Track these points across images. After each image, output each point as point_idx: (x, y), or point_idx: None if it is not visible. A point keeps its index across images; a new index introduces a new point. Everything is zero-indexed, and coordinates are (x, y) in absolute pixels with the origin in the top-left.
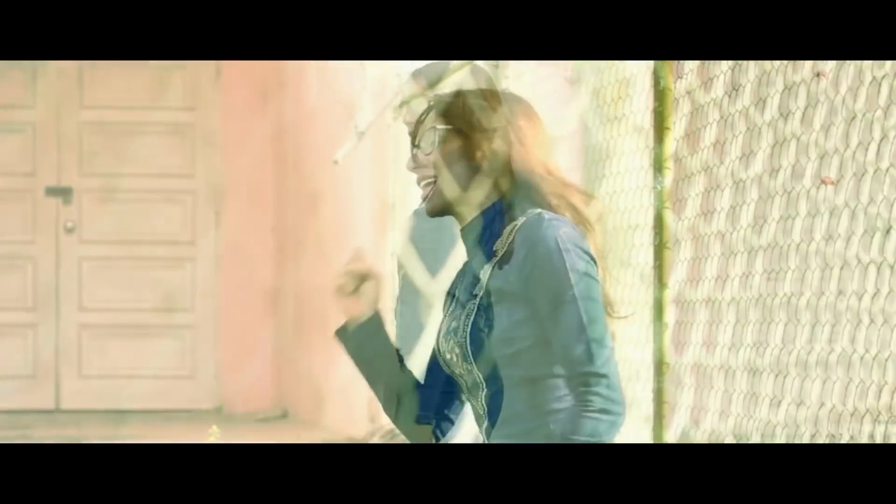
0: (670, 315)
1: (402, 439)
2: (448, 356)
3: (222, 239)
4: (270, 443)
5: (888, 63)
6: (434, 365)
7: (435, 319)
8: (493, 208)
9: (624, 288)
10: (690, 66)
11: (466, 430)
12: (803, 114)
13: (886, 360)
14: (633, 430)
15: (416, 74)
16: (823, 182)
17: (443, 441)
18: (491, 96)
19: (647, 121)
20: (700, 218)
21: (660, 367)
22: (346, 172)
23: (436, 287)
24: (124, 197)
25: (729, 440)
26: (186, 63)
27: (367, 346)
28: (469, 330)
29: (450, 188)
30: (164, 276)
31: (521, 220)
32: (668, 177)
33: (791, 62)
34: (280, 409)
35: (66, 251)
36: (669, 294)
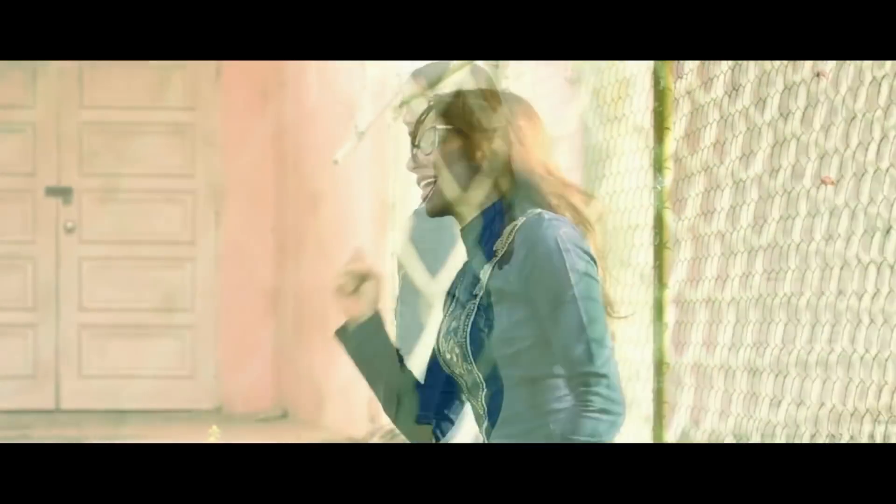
0: (670, 315)
1: (402, 439)
2: (448, 356)
3: (222, 239)
4: (270, 443)
5: (888, 63)
6: (434, 365)
7: (435, 319)
8: (493, 208)
9: (624, 288)
10: (690, 66)
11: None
12: (803, 114)
13: (886, 360)
14: (633, 430)
15: (416, 74)
16: (823, 182)
17: (442, 441)
18: (491, 96)
19: (647, 121)
20: (700, 218)
21: (660, 367)
22: (346, 172)
23: (436, 287)
24: (124, 197)
25: (729, 440)
26: (186, 63)
27: (367, 346)
28: (469, 330)
29: (450, 188)
30: (164, 276)
31: (521, 220)
32: (668, 177)
33: (791, 62)
34: (280, 409)
35: (66, 251)
36: (669, 294)
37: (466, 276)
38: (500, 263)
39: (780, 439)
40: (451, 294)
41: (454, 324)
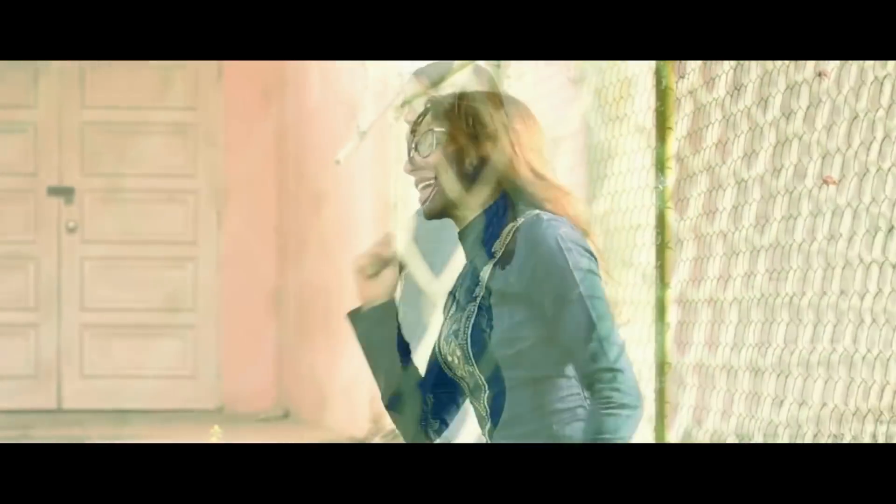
0: (673, 315)
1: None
2: (450, 359)
3: (224, 239)
4: (272, 443)
5: (890, 63)
6: (433, 367)
7: (437, 320)
8: (490, 210)
9: (626, 288)
10: (693, 65)
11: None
12: (805, 114)
13: (888, 359)
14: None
15: (418, 74)
16: (825, 182)
17: (437, 442)
18: (490, 98)
19: (649, 120)
20: (702, 217)
21: (662, 366)
22: (348, 172)
23: (439, 287)
24: (126, 197)
25: (731, 440)
26: (188, 63)
27: (376, 331)
28: (470, 332)
29: (449, 190)
30: (166, 276)
31: (519, 222)
32: (671, 176)
33: (793, 62)
34: (282, 409)
35: (67, 251)
36: (672, 294)
37: (466, 278)
38: (500, 264)
39: (783, 439)
40: (451, 296)
41: (455, 326)
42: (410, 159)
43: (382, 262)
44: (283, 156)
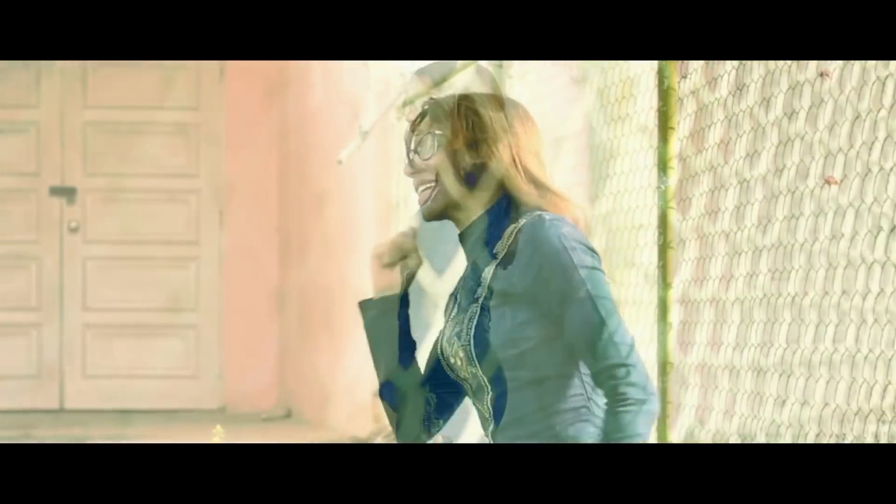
0: (676, 315)
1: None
2: (452, 360)
3: (226, 239)
4: (274, 443)
5: (892, 63)
6: (435, 367)
7: (439, 320)
8: (490, 212)
9: (628, 288)
10: (695, 65)
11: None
12: (807, 113)
13: (891, 359)
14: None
15: (420, 73)
16: (827, 182)
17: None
18: (491, 100)
19: (651, 120)
20: (705, 217)
21: (664, 366)
22: (350, 172)
23: (442, 286)
24: (128, 197)
25: (734, 440)
26: (190, 63)
27: (384, 321)
28: (473, 333)
29: (449, 192)
30: (168, 276)
31: (521, 222)
32: (673, 176)
33: (795, 62)
34: (284, 409)
35: (69, 251)
36: (675, 294)
37: (467, 280)
38: (502, 265)
39: (786, 439)
40: (452, 298)
41: (457, 328)
42: (410, 161)
43: (401, 253)
44: (286, 156)
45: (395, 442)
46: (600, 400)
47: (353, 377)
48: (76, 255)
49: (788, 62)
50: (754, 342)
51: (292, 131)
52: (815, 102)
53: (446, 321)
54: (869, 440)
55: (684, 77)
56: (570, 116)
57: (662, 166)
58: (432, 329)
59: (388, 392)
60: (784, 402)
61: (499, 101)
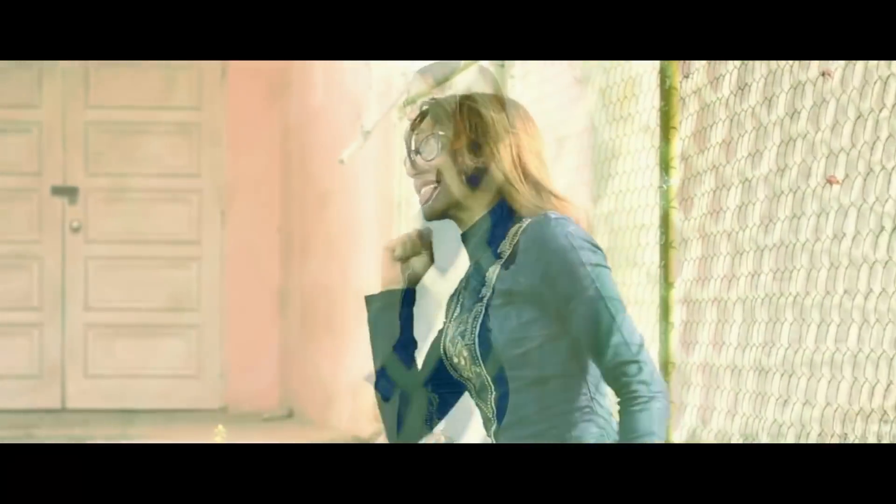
0: (679, 314)
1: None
2: (456, 360)
3: (228, 238)
4: (276, 443)
5: (895, 63)
6: (437, 367)
7: (440, 320)
8: (494, 212)
9: (631, 287)
10: (698, 64)
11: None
12: (809, 113)
13: (893, 359)
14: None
15: (423, 72)
16: (829, 182)
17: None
18: (493, 100)
19: (653, 120)
20: (708, 217)
21: (666, 366)
22: (352, 172)
23: (445, 286)
24: (130, 196)
25: (737, 440)
26: (192, 63)
27: (387, 314)
28: (477, 332)
29: (452, 193)
30: (170, 276)
31: (525, 222)
32: (675, 176)
33: (797, 61)
34: (286, 409)
35: (71, 251)
36: (678, 293)
37: (471, 280)
38: (507, 265)
39: (788, 439)
40: (454, 298)
41: (461, 327)
42: (413, 162)
43: (414, 249)
44: (287, 155)
45: (387, 440)
46: (603, 400)
47: (354, 377)
48: (78, 255)
49: (790, 62)
50: (757, 342)
51: (294, 131)
52: (816, 102)
53: (448, 321)
54: (871, 440)
55: (686, 77)
56: (572, 116)
57: (664, 166)
58: (433, 329)
59: (384, 385)
60: (786, 401)
61: (500, 102)
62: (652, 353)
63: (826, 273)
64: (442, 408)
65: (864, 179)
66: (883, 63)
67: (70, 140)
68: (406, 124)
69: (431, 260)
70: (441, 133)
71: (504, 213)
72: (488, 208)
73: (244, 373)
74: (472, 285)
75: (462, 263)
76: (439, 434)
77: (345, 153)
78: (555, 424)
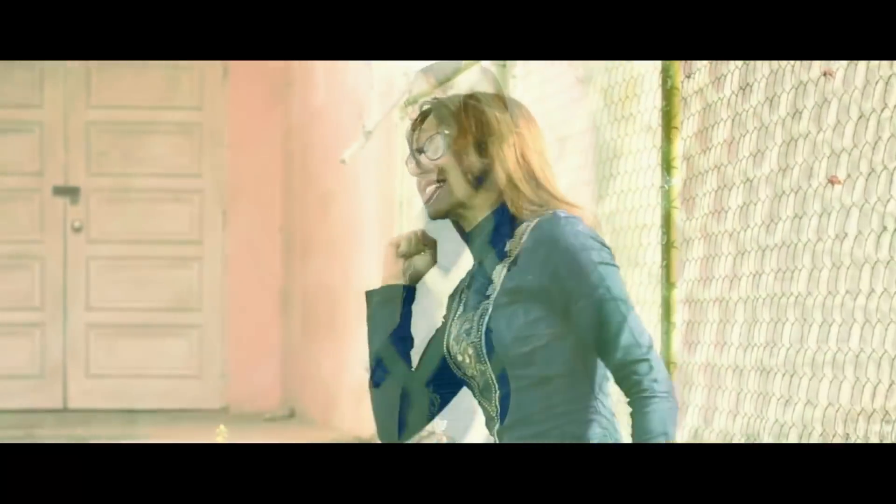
0: (682, 314)
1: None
2: (460, 358)
3: (230, 238)
4: (278, 443)
5: None
6: (440, 367)
7: (439, 320)
8: (498, 211)
9: (633, 287)
10: (700, 63)
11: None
12: (811, 113)
13: (895, 359)
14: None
15: (425, 72)
16: (831, 182)
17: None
18: (496, 100)
19: (655, 119)
20: (710, 217)
21: (668, 366)
22: (353, 172)
23: (446, 285)
24: (132, 196)
25: (739, 440)
26: (194, 63)
27: (386, 308)
28: (483, 330)
29: (456, 192)
30: (172, 276)
31: (534, 221)
32: (676, 176)
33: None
34: (287, 409)
35: (73, 251)
36: (681, 293)
37: (476, 278)
38: (515, 263)
39: (791, 439)
40: (457, 297)
41: (466, 325)
42: (417, 162)
43: (417, 247)
44: (289, 155)
45: (378, 436)
46: (606, 400)
47: (356, 377)
48: (80, 255)
49: (793, 62)
50: (759, 342)
51: (296, 131)
52: (818, 102)
53: (451, 320)
54: (874, 440)
55: (688, 76)
56: (574, 116)
57: (666, 166)
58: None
59: (378, 375)
60: (788, 402)
61: (503, 102)
62: None
63: (828, 273)
64: (442, 407)
65: (867, 179)
66: (885, 63)
67: (72, 140)
68: (408, 124)
69: (434, 259)
70: (446, 132)
71: (508, 212)
72: (492, 208)
73: (246, 373)
74: (476, 284)
75: (464, 263)
76: (441, 434)
77: (346, 153)
78: (558, 424)
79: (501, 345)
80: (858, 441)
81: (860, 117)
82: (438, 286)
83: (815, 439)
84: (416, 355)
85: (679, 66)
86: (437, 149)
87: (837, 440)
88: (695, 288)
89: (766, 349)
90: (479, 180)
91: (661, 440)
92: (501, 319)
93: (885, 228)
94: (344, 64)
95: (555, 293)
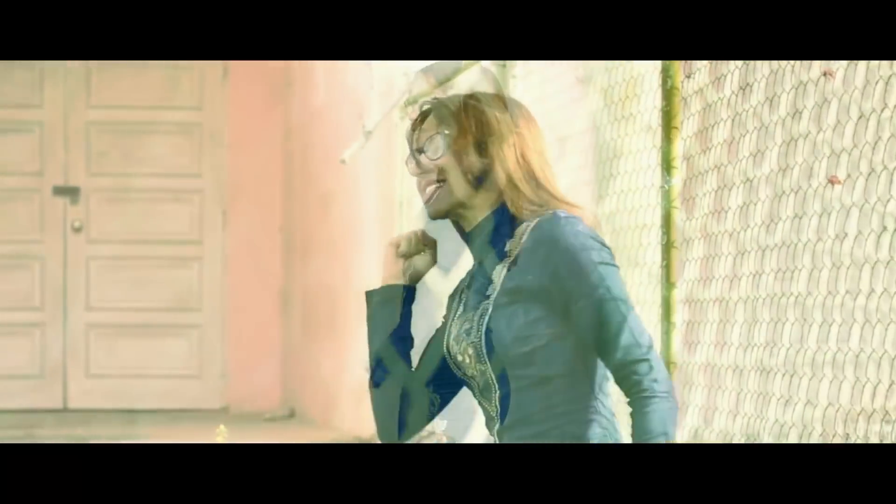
0: (682, 314)
1: (412, 440)
2: (460, 358)
3: (230, 238)
4: (278, 443)
5: None
6: (440, 367)
7: (439, 320)
8: (499, 211)
9: (632, 287)
10: (700, 63)
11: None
12: (811, 113)
13: (895, 359)
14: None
15: (425, 72)
16: (830, 182)
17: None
18: (496, 100)
19: (655, 119)
20: (711, 217)
21: (668, 366)
22: (353, 172)
23: (447, 285)
24: (132, 196)
25: (739, 440)
26: (194, 63)
27: (386, 308)
28: (483, 330)
29: (457, 192)
30: (172, 276)
31: (534, 221)
32: (676, 176)
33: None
34: (287, 409)
35: (73, 251)
36: (681, 293)
37: (476, 278)
38: (515, 263)
39: (791, 439)
40: (457, 297)
41: (466, 325)
42: (417, 162)
43: (417, 247)
44: (289, 155)
45: (378, 436)
46: (606, 400)
47: (356, 377)
48: (80, 255)
49: (793, 62)
50: (759, 342)
51: (295, 131)
52: (818, 102)
53: (451, 320)
54: (874, 440)
55: (689, 76)
56: (574, 116)
57: (666, 166)
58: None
59: (379, 375)
60: (787, 402)
61: (503, 102)
62: None
63: (828, 273)
64: (442, 407)
65: (867, 179)
66: (885, 63)
67: (72, 140)
68: (408, 124)
69: (434, 259)
70: (446, 132)
71: (508, 212)
72: (492, 208)
73: (246, 373)
74: (476, 284)
75: (464, 263)
76: (441, 434)
77: (346, 153)
78: (558, 424)
79: (501, 345)
80: (858, 441)
81: (860, 117)
82: (438, 286)
83: (815, 439)
84: (416, 355)
85: (679, 66)
86: (438, 149)
87: (837, 440)
88: (695, 288)
89: (766, 349)
90: (479, 180)
91: (661, 440)
92: (501, 319)
93: (885, 228)
94: (344, 64)
95: (555, 293)
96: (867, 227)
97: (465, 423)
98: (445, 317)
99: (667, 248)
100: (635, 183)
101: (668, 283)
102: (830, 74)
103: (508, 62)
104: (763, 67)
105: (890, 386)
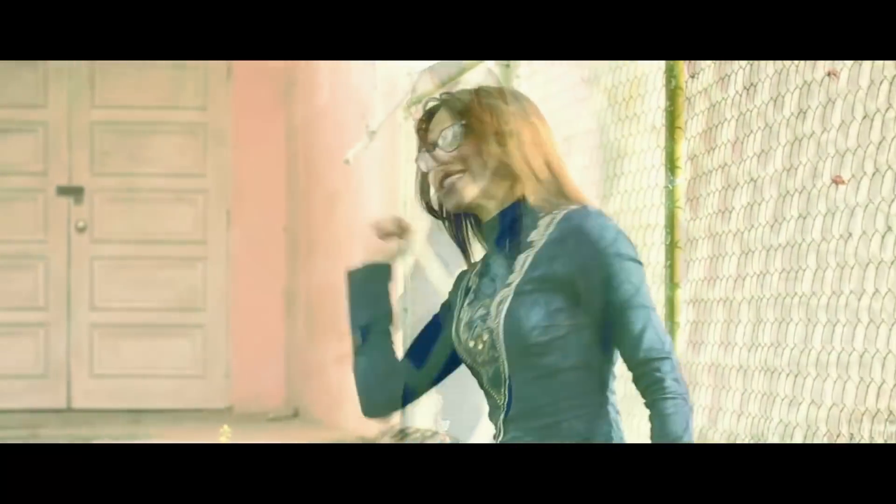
0: (688, 314)
1: (412, 440)
2: (472, 343)
3: (234, 238)
4: (282, 443)
5: None
6: (449, 359)
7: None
8: (519, 201)
9: None
10: (705, 63)
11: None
12: (816, 113)
13: None
14: (649, 430)
15: (429, 71)
16: (835, 182)
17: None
18: (506, 93)
19: (660, 119)
20: (716, 216)
21: None
22: (357, 172)
23: (450, 281)
24: (136, 196)
25: (745, 440)
26: (198, 63)
27: (369, 287)
28: (503, 316)
29: (480, 180)
30: (176, 276)
31: (561, 212)
32: (680, 176)
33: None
34: (291, 409)
35: (77, 250)
36: (686, 293)
37: (491, 267)
38: (541, 253)
39: (796, 439)
40: (465, 286)
41: (482, 311)
42: (432, 156)
43: (401, 229)
44: (293, 155)
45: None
46: (613, 398)
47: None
48: (84, 255)
49: (798, 62)
50: (765, 342)
51: (300, 131)
52: (823, 102)
53: (460, 307)
54: (879, 440)
55: (693, 76)
56: (578, 116)
57: (670, 166)
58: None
59: (361, 354)
60: (792, 402)
61: (512, 95)
62: None
63: (833, 273)
64: (427, 388)
65: (871, 179)
66: (890, 63)
67: (76, 140)
68: (411, 124)
69: (410, 240)
70: (462, 122)
71: (528, 202)
72: (511, 199)
73: (250, 373)
74: (492, 272)
75: (463, 263)
76: (444, 434)
77: (350, 153)
78: (566, 417)
79: (520, 332)
80: (863, 441)
81: (865, 117)
82: (442, 286)
83: (820, 439)
84: (398, 335)
85: (683, 66)
86: (455, 139)
87: (842, 440)
88: (700, 288)
89: (772, 349)
90: (500, 170)
91: (679, 443)
92: (522, 307)
93: (889, 228)
94: (347, 64)
95: (581, 284)
96: (872, 227)
97: (470, 423)
98: (448, 302)
99: (670, 248)
100: (639, 183)
101: (671, 283)
102: (835, 75)
103: (512, 62)
104: (768, 67)
105: (895, 386)
